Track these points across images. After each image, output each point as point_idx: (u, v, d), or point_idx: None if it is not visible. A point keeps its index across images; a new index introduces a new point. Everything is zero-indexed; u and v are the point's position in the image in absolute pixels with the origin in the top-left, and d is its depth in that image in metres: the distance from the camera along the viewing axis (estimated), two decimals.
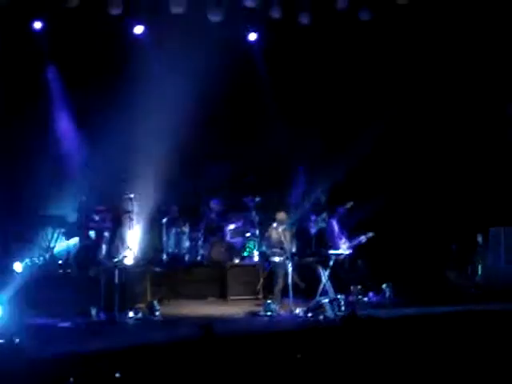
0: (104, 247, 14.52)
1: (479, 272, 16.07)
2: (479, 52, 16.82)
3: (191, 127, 17.06)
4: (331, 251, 15.13)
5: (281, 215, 14.84)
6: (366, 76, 17.58)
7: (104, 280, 13.95)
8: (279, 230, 14.62)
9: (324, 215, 16.55)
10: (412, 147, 17.39)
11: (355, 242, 15.55)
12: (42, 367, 9.58)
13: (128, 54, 16.76)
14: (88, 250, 14.30)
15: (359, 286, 15.33)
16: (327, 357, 10.03)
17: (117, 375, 9.29)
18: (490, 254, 16.25)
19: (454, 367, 9.52)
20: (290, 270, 14.18)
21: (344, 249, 15.44)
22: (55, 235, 14.97)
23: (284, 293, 14.57)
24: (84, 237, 14.85)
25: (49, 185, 15.56)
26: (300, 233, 16.52)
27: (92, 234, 15.00)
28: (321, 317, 13.31)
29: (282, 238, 14.47)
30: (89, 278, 13.74)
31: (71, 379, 8.72)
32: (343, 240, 15.63)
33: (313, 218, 16.63)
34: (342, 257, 15.27)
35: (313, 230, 16.58)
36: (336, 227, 15.76)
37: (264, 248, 15.39)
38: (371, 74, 17.56)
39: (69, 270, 14.31)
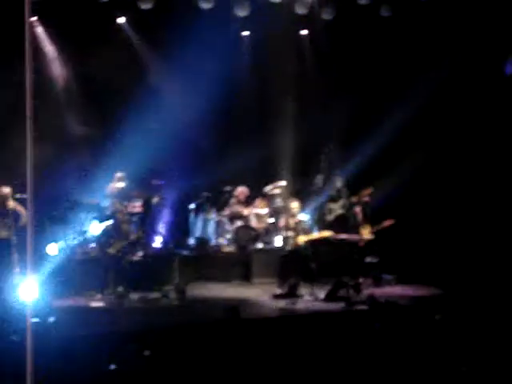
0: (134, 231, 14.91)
1: None
2: (497, 46, 16.99)
3: (218, 114, 17.44)
4: (347, 236, 15.63)
5: (294, 204, 15.35)
6: (388, 68, 17.86)
7: (134, 263, 14.45)
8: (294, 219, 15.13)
9: (341, 202, 16.93)
10: (431, 140, 17.57)
11: (377, 228, 15.94)
12: (75, 346, 10.00)
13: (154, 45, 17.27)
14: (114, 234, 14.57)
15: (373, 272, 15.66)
16: (350, 338, 10.46)
17: (146, 353, 9.78)
18: None
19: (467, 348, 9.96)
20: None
21: (366, 235, 15.86)
22: (89, 219, 15.34)
23: (307, 276, 15.04)
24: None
25: (81, 170, 15.92)
26: (319, 219, 17.00)
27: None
28: (341, 300, 13.55)
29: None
30: (119, 260, 14.05)
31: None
32: (366, 226, 16.01)
33: (330, 205, 17.02)
34: (362, 242, 15.73)
35: (329, 217, 16.97)
36: (359, 214, 16.11)
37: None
38: (393, 67, 17.82)
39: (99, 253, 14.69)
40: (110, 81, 16.38)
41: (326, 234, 15.31)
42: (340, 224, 16.49)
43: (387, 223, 15.85)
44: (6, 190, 14.11)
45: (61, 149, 15.71)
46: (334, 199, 16.95)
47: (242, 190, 17.39)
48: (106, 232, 14.37)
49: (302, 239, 14.93)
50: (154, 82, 17.47)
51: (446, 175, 17.45)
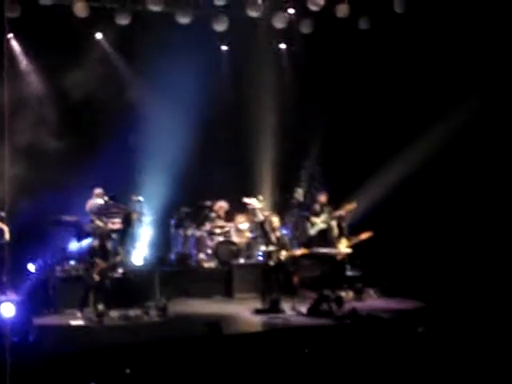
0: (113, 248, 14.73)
1: None
2: (477, 59, 16.91)
3: (197, 128, 17.38)
4: (327, 250, 15.64)
5: (275, 219, 15.37)
6: (367, 80, 17.88)
7: (114, 280, 14.29)
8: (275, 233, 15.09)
9: (323, 217, 16.94)
10: (412, 149, 17.44)
11: (354, 242, 15.92)
12: (55, 364, 9.94)
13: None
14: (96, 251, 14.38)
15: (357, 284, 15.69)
16: (333, 352, 10.42)
17: (127, 371, 9.68)
18: None
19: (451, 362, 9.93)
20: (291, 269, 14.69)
21: (343, 248, 15.82)
22: (67, 236, 15.25)
23: (288, 291, 14.95)
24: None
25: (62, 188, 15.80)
26: (300, 234, 17.03)
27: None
28: (323, 314, 13.56)
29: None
30: (101, 279, 13.89)
31: None
32: (342, 239, 15.97)
33: (312, 219, 17.04)
34: (340, 256, 15.70)
35: (312, 232, 17.01)
36: (335, 228, 16.09)
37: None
38: (371, 79, 17.85)
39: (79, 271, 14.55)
40: (87, 97, 16.31)
41: (305, 251, 15.29)
42: (322, 238, 16.55)
43: (364, 236, 15.80)
44: None
45: (39, 165, 15.56)
46: (316, 214, 16.98)
47: (221, 205, 17.32)
48: (89, 250, 14.18)
49: (284, 254, 14.82)
50: (132, 97, 17.41)
51: (428, 186, 17.41)
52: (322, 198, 17.18)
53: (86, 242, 14.41)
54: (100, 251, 13.96)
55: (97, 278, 13.65)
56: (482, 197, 16.80)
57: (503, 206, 16.67)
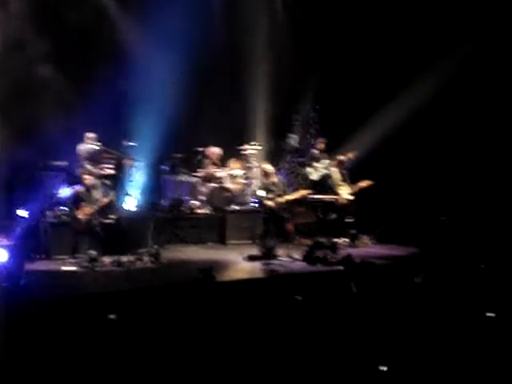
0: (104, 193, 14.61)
1: None
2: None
3: (193, 75, 17.20)
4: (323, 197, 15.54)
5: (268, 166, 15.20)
6: (361, 26, 17.68)
7: (107, 225, 14.26)
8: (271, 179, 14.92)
9: (324, 162, 16.85)
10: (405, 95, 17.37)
11: (355, 189, 15.82)
12: (46, 310, 9.86)
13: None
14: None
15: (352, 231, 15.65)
16: (326, 299, 10.38)
17: (111, 317, 9.60)
18: None
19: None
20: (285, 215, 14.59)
21: (346, 195, 15.72)
22: (58, 182, 15.14)
23: (283, 238, 14.87)
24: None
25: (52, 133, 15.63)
26: (302, 180, 16.94)
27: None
28: (317, 261, 13.50)
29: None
30: (89, 224, 13.83)
31: None
32: (345, 186, 15.87)
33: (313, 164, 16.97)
34: (340, 202, 15.63)
35: (314, 177, 16.94)
36: (338, 174, 15.96)
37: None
38: (365, 25, 17.66)
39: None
40: (78, 39, 16.12)
41: (304, 192, 15.17)
42: (323, 184, 16.48)
43: (363, 184, 15.71)
44: None
45: (28, 109, 15.36)
46: (316, 159, 16.91)
47: (213, 151, 17.15)
48: (75, 196, 14.05)
49: (280, 200, 14.70)
50: (124, 41, 17.11)
51: (422, 132, 17.27)
52: (321, 144, 17.19)
53: (76, 187, 14.26)
54: (87, 197, 13.84)
55: (83, 222, 13.52)
56: (476, 142, 16.71)
57: (498, 152, 16.59)
